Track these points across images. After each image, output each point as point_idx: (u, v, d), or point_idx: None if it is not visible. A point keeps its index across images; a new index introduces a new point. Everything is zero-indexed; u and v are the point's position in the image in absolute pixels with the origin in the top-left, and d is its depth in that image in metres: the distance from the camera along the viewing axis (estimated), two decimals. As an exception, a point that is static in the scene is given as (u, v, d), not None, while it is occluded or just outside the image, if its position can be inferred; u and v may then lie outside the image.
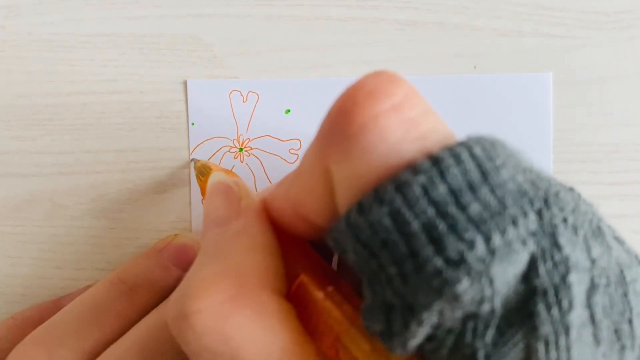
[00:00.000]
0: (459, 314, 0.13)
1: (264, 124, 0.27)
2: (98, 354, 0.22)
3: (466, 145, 0.13)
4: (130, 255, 0.27)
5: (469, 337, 0.13)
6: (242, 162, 0.27)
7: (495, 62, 0.27)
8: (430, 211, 0.13)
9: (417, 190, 0.13)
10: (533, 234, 0.13)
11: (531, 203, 0.13)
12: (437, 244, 0.12)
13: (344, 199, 0.14)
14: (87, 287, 0.26)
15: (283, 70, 0.27)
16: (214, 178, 0.19)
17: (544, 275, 0.13)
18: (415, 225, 0.13)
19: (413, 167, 0.13)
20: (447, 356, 0.13)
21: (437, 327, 0.13)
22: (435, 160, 0.13)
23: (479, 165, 0.13)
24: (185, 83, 0.27)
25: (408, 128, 0.14)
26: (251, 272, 0.16)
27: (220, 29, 0.27)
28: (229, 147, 0.27)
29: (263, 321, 0.15)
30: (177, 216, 0.27)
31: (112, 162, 0.27)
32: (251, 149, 0.27)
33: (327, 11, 0.27)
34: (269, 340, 0.15)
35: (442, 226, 0.12)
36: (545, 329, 0.13)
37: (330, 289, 0.16)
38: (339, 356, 0.15)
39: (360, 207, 0.14)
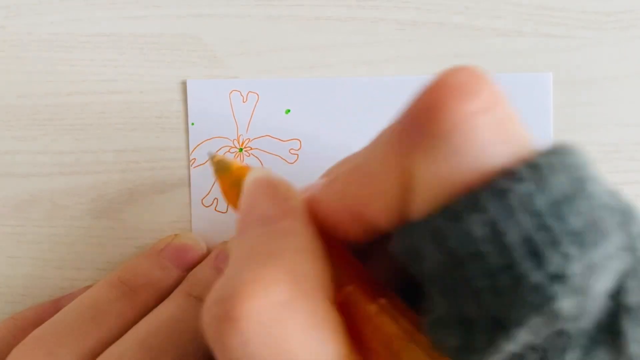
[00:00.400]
0: (549, 331, 0.12)
1: (264, 124, 0.27)
2: (98, 354, 0.22)
3: (559, 152, 0.13)
4: (130, 255, 0.27)
5: (553, 356, 0.12)
6: (242, 162, 0.27)
7: (495, 62, 0.27)
8: (530, 223, 0.12)
9: (516, 200, 0.12)
10: (623, 249, 0.12)
11: (617, 216, 0.13)
12: (537, 257, 0.12)
13: (425, 201, 0.13)
14: (87, 287, 0.26)
15: (283, 70, 0.27)
16: (256, 174, 0.18)
17: (633, 292, 0.12)
18: (514, 236, 0.12)
19: (511, 174, 0.12)
20: None
21: (523, 344, 0.12)
22: (533, 167, 0.12)
23: (576, 175, 0.13)
24: (185, 83, 0.27)
25: (499, 130, 0.13)
26: (305, 277, 0.14)
27: (220, 29, 0.27)
28: (229, 147, 0.27)
29: (317, 331, 0.14)
30: (177, 216, 0.27)
31: (112, 162, 0.27)
32: (251, 149, 0.27)
33: (327, 11, 0.27)
34: (321, 352, 0.14)
35: (542, 239, 0.12)
36: (634, 348, 0.12)
37: (382, 301, 0.15)
38: None
39: (449, 212, 0.13)
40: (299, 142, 0.27)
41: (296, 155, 0.27)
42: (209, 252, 0.26)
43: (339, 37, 0.27)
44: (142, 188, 0.27)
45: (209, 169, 0.27)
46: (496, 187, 0.12)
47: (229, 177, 0.22)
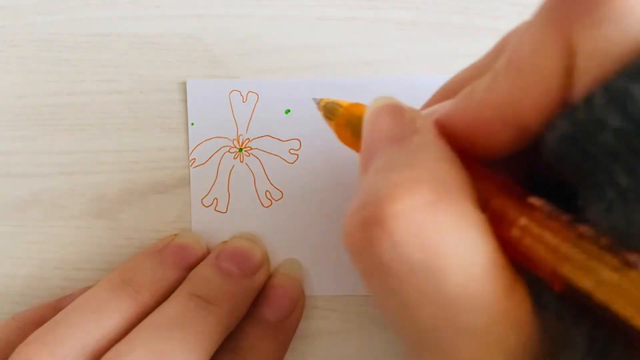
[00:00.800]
0: None
1: (264, 124, 0.27)
2: (101, 353, 0.22)
3: None
4: (130, 255, 0.27)
5: None
6: (242, 162, 0.27)
7: (495, 62, 0.27)
8: None
9: None
10: None
11: None
12: None
13: (594, 74, 0.12)
14: (87, 287, 0.26)
15: (283, 70, 0.27)
16: (379, 101, 0.17)
17: None
18: None
19: None
20: None
21: None
22: None
23: None
24: (185, 83, 0.27)
25: None
26: (448, 180, 0.14)
27: (220, 29, 0.27)
28: (229, 147, 0.27)
29: (467, 230, 0.13)
30: (177, 216, 0.27)
31: (112, 162, 0.27)
32: (251, 149, 0.27)
33: (327, 11, 0.27)
34: (473, 252, 0.13)
35: None
36: None
37: (532, 210, 0.14)
38: (563, 286, 0.13)
39: (631, 72, 0.12)
40: (299, 142, 0.27)
41: (296, 155, 0.27)
42: (209, 252, 0.27)
43: (339, 37, 0.27)
44: (142, 188, 0.27)
45: (209, 169, 0.27)
46: None
47: (341, 117, 0.21)
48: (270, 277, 0.27)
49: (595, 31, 0.12)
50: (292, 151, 0.27)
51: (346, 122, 0.21)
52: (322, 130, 0.26)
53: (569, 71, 0.13)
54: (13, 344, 0.22)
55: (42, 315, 0.25)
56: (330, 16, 0.27)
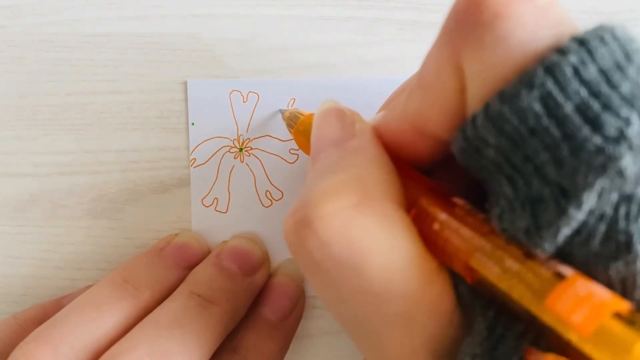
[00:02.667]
0: (614, 197, 0.13)
1: (264, 124, 0.27)
2: (101, 352, 0.22)
3: (606, 28, 0.13)
4: (131, 255, 0.27)
5: (622, 223, 0.13)
6: (242, 162, 0.27)
7: (495, 62, 0.27)
8: (583, 92, 0.12)
9: (568, 71, 0.12)
10: None
11: None
12: (594, 123, 0.12)
13: (479, 94, 0.14)
14: (88, 287, 0.26)
15: (283, 70, 0.27)
16: (325, 105, 0.19)
17: None
18: (569, 107, 0.12)
19: (560, 49, 0.13)
20: (598, 247, 0.13)
21: (590, 213, 0.13)
22: (581, 41, 0.13)
23: (623, 46, 0.13)
24: (185, 83, 0.27)
25: (542, 15, 0.13)
26: (375, 183, 0.15)
27: (220, 29, 0.27)
28: (229, 147, 0.27)
29: (389, 230, 0.15)
30: (177, 216, 0.27)
31: (112, 162, 0.27)
32: (251, 149, 0.27)
33: (327, 11, 0.27)
34: (394, 249, 0.15)
35: (596, 106, 0.12)
36: None
37: (454, 208, 0.16)
38: (474, 278, 0.15)
39: (504, 96, 0.13)
40: (299, 142, 0.27)
41: (296, 155, 0.27)
42: (209, 252, 0.27)
43: (339, 37, 0.27)
44: (142, 188, 0.27)
45: (209, 169, 0.27)
46: (547, 62, 0.13)
47: (300, 124, 0.23)
48: (270, 277, 0.27)
49: (478, 55, 0.14)
50: (292, 151, 0.27)
51: (304, 130, 0.23)
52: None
53: (462, 90, 0.14)
54: (14, 342, 0.22)
55: (44, 314, 0.25)
56: (330, 16, 0.27)
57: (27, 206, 0.27)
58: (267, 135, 0.27)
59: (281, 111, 0.26)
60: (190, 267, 0.25)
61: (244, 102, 0.27)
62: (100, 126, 0.27)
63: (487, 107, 0.13)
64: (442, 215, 0.15)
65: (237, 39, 0.27)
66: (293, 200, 0.27)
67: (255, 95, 0.27)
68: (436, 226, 0.15)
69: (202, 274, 0.25)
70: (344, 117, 0.18)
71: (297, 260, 0.16)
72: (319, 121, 0.18)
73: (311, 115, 0.23)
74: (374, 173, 0.16)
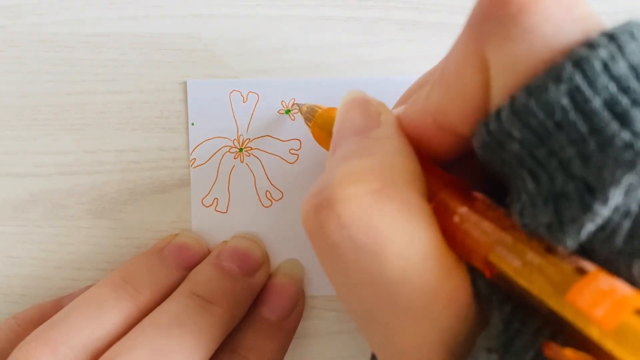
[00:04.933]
0: None
1: (264, 124, 0.27)
2: (101, 352, 0.22)
3: (636, 24, 0.13)
4: (131, 255, 0.27)
5: None
6: (242, 162, 0.27)
7: (495, 62, 0.27)
8: (612, 87, 0.12)
9: (597, 66, 0.12)
10: None
11: None
12: (622, 118, 0.12)
13: (503, 88, 0.14)
14: (88, 287, 0.26)
15: (283, 70, 0.27)
16: (351, 94, 0.19)
17: None
18: (597, 102, 0.12)
19: (589, 43, 0.13)
20: (622, 244, 0.13)
21: (615, 209, 0.13)
22: (611, 36, 0.13)
23: None
24: (185, 83, 0.27)
25: (568, 9, 0.13)
26: (398, 171, 0.15)
27: (220, 29, 0.27)
28: (229, 147, 0.27)
29: (410, 218, 0.14)
30: (177, 216, 0.27)
31: (112, 162, 0.27)
32: (251, 149, 0.27)
33: (327, 11, 0.27)
34: (414, 237, 0.14)
35: (625, 101, 0.12)
36: None
37: (474, 202, 0.15)
38: (492, 272, 0.14)
39: (531, 89, 0.13)
40: (299, 142, 0.27)
41: (296, 155, 0.27)
42: (209, 252, 0.27)
43: (339, 37, 0.27)
44: (142, 188, 0.27)
45: (209, 169, 0.27)
46: (576, 56, 0.13)
47: (318, 117, 0.23)
48: (270, 277, 0.27)
49: (504, 48, 0.13)
50: (292, 151, 0.27)
51: (322, 123, 0.23)
52: (322, 130, 0.26)
53: (486, 84, 0.14)
54: (14, 343, 0.22)
55: (43, 314, 0.25)
56: (330, 16, 0.27)
57: (27, 206, 0.27)
58: (267, 135, 0.27)
59: (298, 105, 0.26)
60: (190, 267, 0.25)
61: (244, 102, 0.27)
62: (100, 126, 0.27)
63: (512, 100, 0.13)
64: (462, 209, 0.15)
65: (237, 39, 0.27)
66: (293, 200, 0.27)
67: (255, 95, 0.27)
68: (456, 219, 0.15)
69: (202, 274, 0.25)
70: (369, 106, 0.18)
71: (313, 243, 0.16)
72: (344, 109, 0.18)
73: (329, 109, 0.23)
74: (398, 161, 0.16)
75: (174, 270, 0.25)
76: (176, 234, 0.27)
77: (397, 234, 0.14)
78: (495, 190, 0.16)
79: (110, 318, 0.22)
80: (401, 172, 0.15)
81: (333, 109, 0.23)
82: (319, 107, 0.24)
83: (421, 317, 0.15)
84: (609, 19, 0.25)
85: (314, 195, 0.15)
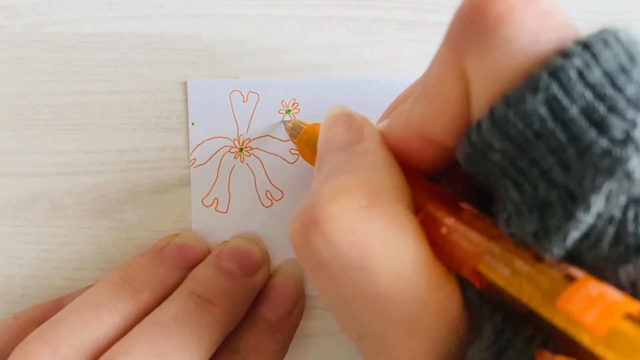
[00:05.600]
0: (623, 200, 0.13)
1: (264, 124, 0.27)
2: (101, 352, 0.22)
3: (610, 31, 0.13)
4: (131, 255, 0.27)
5: (631, 225, 0.13)
6: (242, 162, 0.27)
7: (495, 62, 0.27)
8: (588, 94, 0.12)
9: (573, 75, 0.12)
10: None
11: None
12: (600, 126, 0.12)
13: (483, 99, 0.14)
14: (88, 287, 0.26)
15: (283, 70, 0.27)
16: (333, 110, 0.19)
17: None
18: (574, 110, 0.12)
19: (564, 52, 0.13)
20: (607, 250, 0.13)
21: (598, 216, 0.13)
22: (585, 44, 0.13)
23: (627, 49, 0.13)
24: (185, 83, 0.27)
25: (545, 19, 0.13)
26: (383, 185, 0.15)
27: (220, 29, 0.27)
28: (229, 147, 0.27)
29: (398, 232, 0.15)
30: (177, 216, 0.27)
31: (112, 162, 0.27)
32: (251, 149, 0.27)
33: (327, 11, 0.27)
34: (402, 250, 0.14)
35: (602, 108, 0.12)
36: None
37: (461, 213, 0.15)
38: (482, 282, 0.14)
39: (509, 100, 0.13)
40: (299, 142, 0.27)
41: (296, 155, 0.27)
42: (209, 252, 0.27)
43: (339, 37, 0.27)
44: (142, 188, 0.27)
45: (209, 169, 0.27)
46: (551, 66, 0.13)
47: (303, 134, 0.23)
48: (270, 277, 0.27)
49: (482, 59, 0.14)
50: (292, 151, 0.27)
51: (307, 139, 0.23)
52: (323, 130, 0.26)
53: (466, 95, 0.14)
54: (14, 342, 0.22)
55: (43, 314, 0.25)
56: (330, 16, 0.27)
57: (27, 206, 0.27)
58: (267, 135, 0.27)
59: (284, 122, 0.27)
60: (190, 267, 0.25)
61: (244, 102, 0.27)
62: (100, 126, 0.27)
63: (492, 111, 0.13)
64: (450, 220, 0.15)
65: (237, 39, 0.27)
66: (293, 200, 0.27)
67: (255, 95, 0.27)
68: (444, 230, 0.15)
69: (202, 274, 0.25)
70: (352, 122, 0.18)
71: (302, 261, 0.16)
72: (327, 125, 0.18)
73: (314, 125, 0.23)
74: (383, 176, 0.16)
75: (174, 270, 0.25)
76: (176, 234, 0.27)
77: (385, 249, 0.14)
78: (482, 200, 0.16)
79: (110, 318, 0.22)
80: (386, 187, 0.15)
81: (318, 125, 0.23)
82: (304, 124, 0.24)
83: (413, 329, 0.15)
84: (609, 19, 0.25)
85: (300, 214, 0.15)
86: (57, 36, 0.27)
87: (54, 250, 0.27)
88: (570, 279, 0.13)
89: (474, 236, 0.15)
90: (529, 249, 0.14)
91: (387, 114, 0.22)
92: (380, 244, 0.14)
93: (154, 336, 0.21)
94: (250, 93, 0.27)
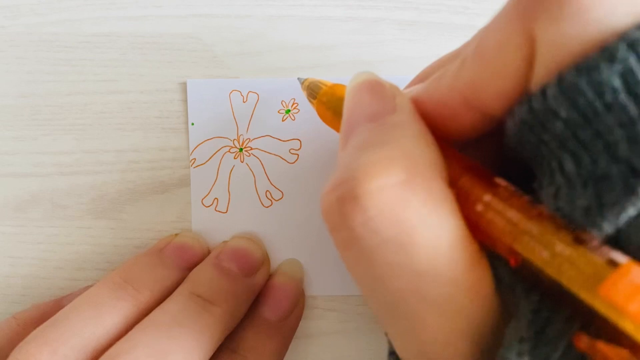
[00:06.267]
0: None
1: (264, 124, 0.27)
2: (101, 352, 0.22)
3: None
4: (130, 255, 0.27)
5: None
6: (242, 162, 0.27)
7: (495, 62, 0.27)
8: None
9: None
10: None
11: None
12: None
13: (550, 66, 0.13)
14: (87, 287, 0.26)
15: (283, 70, 0.27)
16: (359, 76, 0.18)
17: None
18: None
19: None
20: None
21: None
22: None
23: None
24: (185, 83, 0.27)
25: None
26: (421, 159, 0.15)
27: (220, 29, 0.27)
28: (229, 147, 0.27)
29: (437, 209, 0.14)
30: (177, 216, 0.27)
31: (112, 162, 0.27)
32: (251, 149, 0.27)
33: (327, 11, 0.27)
34: (441, 227, 0.14)
35: None
36: None
37: (497, 189, 0.15)
38: (517, 261, 0.14)
39: (581, 68, 0.13)
40: (299, 142, 0.27)
41: (296, 155, 0.27)
42: (209, 252, 0.27)
43: (339, 37, 0.27)
44: (142, 188, 0.27)
45: (209, 169, 0.27)
46: (630, 38, 0.12)
47: (323, 95, 0.22)
48: (270, 277, 0.27)
49: (555, 26, 0.13)
50: (292, 151, 0.27)
51: (328, 101, 0.22)
52: (323, 131, 0.26)
53: (529, 62, 0.14)
54: (14, 342, 0.22)
55: (43, 314, 0.25)
56: (330, 16, 0.27)
57: (27, 206, 0.27)
58: (267, 135, 0.27)
59: (300, 80, 0.25)
60: (190, 267, 0.25)
61: (244, 102, 0.27)
62: (100, 126, 0.27)
63: (561, 78, 0.13)
64: (486, 196, 0.15)
65: (237, 39, 0.27)
66: (293, 200, 0.27)
67: (255, 95, 0.27)
68: (479, 207, 0.15)
69: (202, 274, 0.25)
70: (382, 90, 0.17)
71: (335, 236, 0.15)
72: (354, 93, 0.17)
73: (335, 86, 0.22)
74: (419, 149, 0.15)
75: (174, 270, 0.25)
76: (176, 234, 0.27)
77: (424, 225, 0.14)
78: (510, 176, 0.15)
79: (110, 318, 0.22)
80: (423, 160, 0.15)
81: (339, 86, 0.22)
82: (323, 84, 0.23)
83: (447, 308, 0.15)
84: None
85: (335, 188, 0.15)
86: (57, 36, 0.27)
87: (54, 250, 0.27)
88: (614, 264, 0.12)
89: (512, 214, 0.14)
90: (570, 231, 0.13)
91: (420, 79, 0.21)
92: (419, 220, 0.14)
93: (154, 336, 0.21)
94: (250, 93, 0.27)
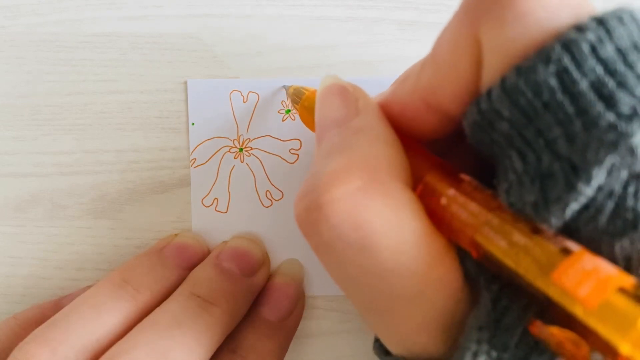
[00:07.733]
0: (624, 175, 0.13)
1: (264, 124, 0.27)
2: (101, 352, 0.22)
3: (626, 10, 0.13)
4: (130, 255, 0.27)
5: (630, 201, 0.13)
6: (242, 162, 0.27)
7: (495, 62, 0.27)
8: (599, 69, 0.13)
9: (585, 48, 0.13)
10: None
11: None
12: (608, 100, 0.12)
13: (495, 68, 0.14)
14: (87, 287, 0.26)
15: (283, 70, 0.27)
16: (326, 82, 0.19)
17: None
18: (584, 83, 0.13)
19: (579, 27, 0.13)
20: (605, 224, 0.13)
21: (599, 189, 0.13)
22: (599, 20, 0.13)
23: (639, 27, 0.13)
24: (185, 83, 0.27)
25: None
26: (379, 163, 0.16)
27: (220, 29, 0.27)
28: (229, 147, 0.27)
29: (396, 210, 0.15)
30: (177, 216, 0.27)
31: (112, 162, 0.27)
32: (251, 149, 0.27)
33: (327, 11, 0.27)
34: (402, 229, 0.15)
35: (611, 83, 0.13)
36: None
37: (461, 184, 0.16)
38: (479, 252, 0.15)
39: (520, 69, 0.13)
40: (299, 142, 0.27)
41: (296, 155, 0.27)
42: (209, 252, 0.27)
43: (339, 37, 0.27)
44: (142, 188, 0.27)
45: (209, 169, 0.27)
46: (565, 39, 0.13)
47: (305, 100, 0.23)
48: (270, 277, 0.27)
49: (498, 30, 0.14)
50: (292, 151, 0.27)
51: (309, 106, 0.23)
52: (323, 130, 0.26)
53: (478, 65, 0.15)
54: (14, 343, 0.22)
55: (43, 314, 0.25)
56: (330, 16, 0.27)
57: (27, 206, 0.27)
58: (267, 135, 0.27)
59: (285, 87, 0.26)
60: (190, 267, 0.25)
61: (244, 102, 0.27)
62: (100, 126, 0.27)
63: (503, 80, 0.14)
64: (450, 191, 0.16)
65: (237, 39, 0.27)
66: (293, 200, 0.27)
67: (255, 95, 0.27)
68: (443, 201, 0.16)
69: (202, 274, 0.25)
70: (346, 94, 0.18)
71: (309, 242, 0.16)
72: (321, 99, 0.18)
73: (315, 91, 0.23)
74: (379, 152, 0.16)
75: (174, 270, 0.25)
76: (176, 234, 0.27)
77: (384, 227, 0.15)
78: (484, 175, 0.16)
79: (110, 318, 0.22)
80: (382, 164, 0.16)
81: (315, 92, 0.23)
82: (306, 89, 0.24)
83: (417, 302, 0.15)
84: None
85: (302, 197, 0.16)
86: (57, 36, 0.27)
87: (54, 250, 0.27)
88: (566, 252, 0.13)
89: (473, 207, 0.15)
90: (527, 221, 0.14)
91: (397, 81, 0.22)
92: (379, 223, 0.15)
93: (154, 336, 0.21)
94: (250, 93, 0.27)
